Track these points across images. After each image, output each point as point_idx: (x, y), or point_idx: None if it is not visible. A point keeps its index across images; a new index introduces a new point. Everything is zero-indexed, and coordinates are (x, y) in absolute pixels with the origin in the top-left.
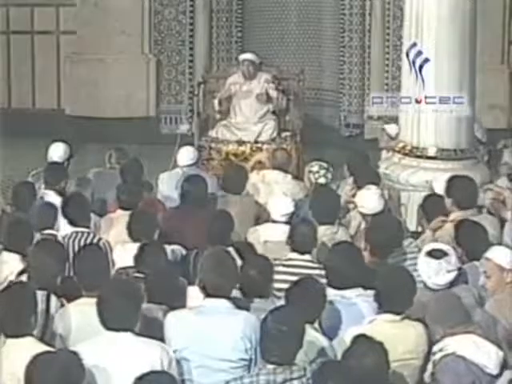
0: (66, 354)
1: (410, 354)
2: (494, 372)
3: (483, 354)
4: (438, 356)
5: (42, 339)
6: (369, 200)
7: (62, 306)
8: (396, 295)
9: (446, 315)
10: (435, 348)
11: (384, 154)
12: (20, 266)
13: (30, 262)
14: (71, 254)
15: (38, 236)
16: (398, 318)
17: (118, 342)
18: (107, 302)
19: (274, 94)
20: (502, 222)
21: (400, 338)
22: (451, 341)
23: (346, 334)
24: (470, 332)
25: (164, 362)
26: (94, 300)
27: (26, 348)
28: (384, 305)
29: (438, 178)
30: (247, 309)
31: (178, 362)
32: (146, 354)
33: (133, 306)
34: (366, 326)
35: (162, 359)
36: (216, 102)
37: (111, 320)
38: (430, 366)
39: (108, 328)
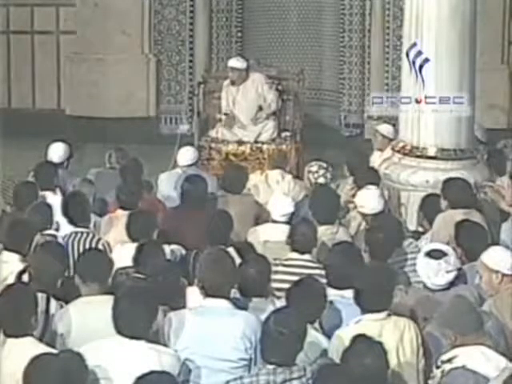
0: (67, 355)
1: (402, 350)
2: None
3: (493, 366)
4: (446, 367)
5: (41, 339)
6: (369, 200)
7: (62, 308)
8: (375, 293)
9: (459, 321)
10: (444, 357)
11: (376, 152)
12: (20, 265)
13: (31, 264)
14: (71, 254)
15: (37, 236)
16: (383, 315)
17: (129, 348)
18: (124, 308)
19: (269, 96)
20: (502, 215)
21: (389, 334)
22: (461, 352)
23: (335, 336)
24: (481, 344)
25: (175, 371)
26: (94, 298)
27: (27, 348)
28: (365, 305)
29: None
30: (246, 309)
31: (188, 368)
32: (156, 362)
33: (149, 315)
34: (354, 326)
35: (173, 368)
36: (222, 115)
37: (126, 327)
38: (437, 374)
39: (121, 334)
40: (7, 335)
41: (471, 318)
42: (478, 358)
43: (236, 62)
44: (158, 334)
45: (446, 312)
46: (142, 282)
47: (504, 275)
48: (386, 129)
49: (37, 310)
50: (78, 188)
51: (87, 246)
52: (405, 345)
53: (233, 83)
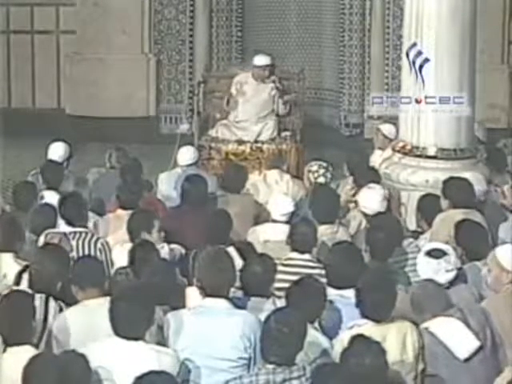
0: (69, 356)
1: (406, 354)
2: (462, 357)
3: (457, 336)
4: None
5: (39, 343)
6: (372, 201)
7: (61, 309)
8: (379, 303)
9: (429, 303)
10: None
11: (376, 152)
12: (15, 264)
13: (32, 265)
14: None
15: (42, 236)
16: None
17: (128, 349)
18: (121, 310)
19: (279, 101)
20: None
21: (393, 338)
22: (431, 323)
23: (338, 340)
24: (450, 315)
25: (174, 371)
26: (92, 302)
27: (26, 357)
28: (368, 315)
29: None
30: (245, 308)
31: (187, 367)
32: (155, 363)
33: (145, 316)
34: (357, 329)
35: (172, 368)
36: (225, 101)
37: (123, 328)
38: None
39: (119, 335)
40: (7, 344)
41: (439, 298)
42: (445, 326)
43: (266, 59)
44: (157, 334)
45: (417, 299)
46: (137, 282)
47: None
48: (387, 129)
49: (35, 316)
50: (73, 188)
51: (86, 246)
52: (407, 348)
53: (256, 80)
